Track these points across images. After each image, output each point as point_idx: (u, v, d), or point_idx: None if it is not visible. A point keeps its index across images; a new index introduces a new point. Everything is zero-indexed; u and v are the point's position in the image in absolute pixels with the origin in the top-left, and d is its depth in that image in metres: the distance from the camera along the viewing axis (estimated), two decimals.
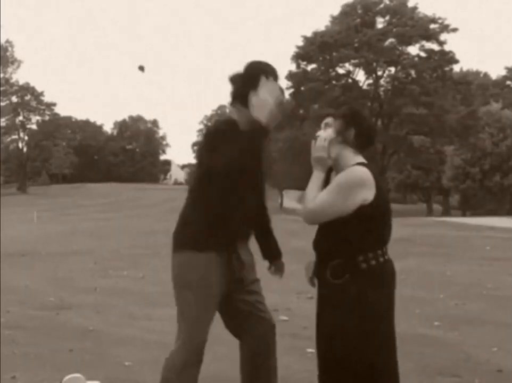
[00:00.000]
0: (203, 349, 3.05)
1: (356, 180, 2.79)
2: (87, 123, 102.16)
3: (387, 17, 48.49)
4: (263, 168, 3.19)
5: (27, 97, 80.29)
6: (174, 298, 3.10)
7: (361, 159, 2.92)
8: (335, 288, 2.82)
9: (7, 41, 76.22)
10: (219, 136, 2.97)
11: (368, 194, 2.78)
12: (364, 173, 2.82)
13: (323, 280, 2.89)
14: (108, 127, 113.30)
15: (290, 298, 7.97)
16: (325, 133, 2.97)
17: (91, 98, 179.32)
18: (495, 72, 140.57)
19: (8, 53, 75.92)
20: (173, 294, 3.11)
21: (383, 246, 2.88)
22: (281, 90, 3.06)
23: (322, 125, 3.03)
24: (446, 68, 47.53)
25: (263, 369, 3.20)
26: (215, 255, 3.02)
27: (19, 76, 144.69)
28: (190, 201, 3.12)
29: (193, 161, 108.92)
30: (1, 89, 74.10)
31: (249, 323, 3.16)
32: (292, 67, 49.26)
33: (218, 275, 3.03)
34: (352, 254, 2.80)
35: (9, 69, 77.65)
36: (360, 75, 50.98)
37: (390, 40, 47.60)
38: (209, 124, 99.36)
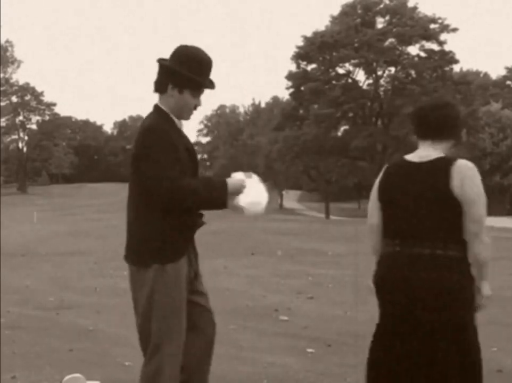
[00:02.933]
0: (180, 356, 3.05)
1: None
2: (86, 123, 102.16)
3: (387, 17, 48.50)
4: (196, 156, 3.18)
5: (27, 97, 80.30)
6: (142, 311, 3.03)
7: None
8: None
9: (7, 41, 76.26)
10: (157, 153, 2.91)
11: None
12: None
13: None
14: (108, 127, 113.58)
15: (290, 298, 7.97)
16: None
17: (91, 98, 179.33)
18: (495, 72, 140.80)
19: (8, 54, 75.91)
20: (139, 307, 3.05)
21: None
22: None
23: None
24: (446, 68, 47.54)
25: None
26: (183, 259, 3.00)
27: (19, 76, 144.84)
28: (141, 209, 3.01)
29: None
30: (1, 89, 74.10)
31: (198, 325, 3.14)
32: (293, 67, 49.33)
33: (185, 277, 3.03)
34: None
35: (9, 69, 77.69)
36: (360, 75, 51.08)
37: (390, 40, 47.60)
38: (209, 124, 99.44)
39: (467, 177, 2.88)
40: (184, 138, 3.10)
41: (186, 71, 2.97)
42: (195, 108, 3.08)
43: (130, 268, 3.08)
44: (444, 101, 3.14)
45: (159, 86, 3.06)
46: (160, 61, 3.06)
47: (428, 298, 2.84)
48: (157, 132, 2.96)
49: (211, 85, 3.08)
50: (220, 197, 2.95)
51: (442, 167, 2.92)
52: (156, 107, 3.08)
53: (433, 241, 2.89)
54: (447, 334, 2.84)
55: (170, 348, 3.00)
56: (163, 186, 2.86)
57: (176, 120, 3.07)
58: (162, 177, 2.86)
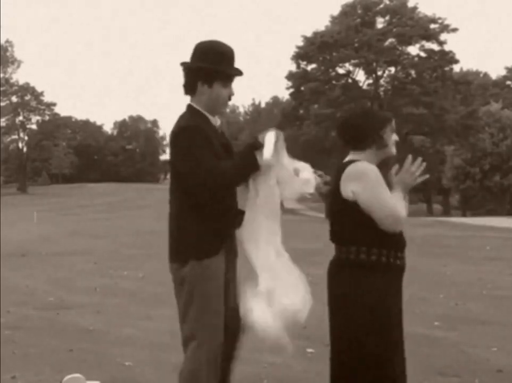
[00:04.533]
0: (219, 351, 3.06)
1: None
2: (86, 123, 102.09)
3: (387, 17, 48.47)
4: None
5: (27, 97, 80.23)
6: (183, 307, 3.05)
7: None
8: None
9: (7, 41, 76.19)
10: (193, 146, 2.95)
11: None
12: None
13: None
14: (108, 127, 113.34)
15: None
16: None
17: (91, 98, 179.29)
18: (495, 72, 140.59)
19: (8, 53, 75.87)
20: (181, 302, 3.07)
21: None
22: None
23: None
24: (446, 68, 47.51)
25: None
26: (220, 255, 3.03)
27: (19, 76, 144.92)
28: (178, 210, 3.07)
29: None
30: (1, 89, 74.06)
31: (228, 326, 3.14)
32: (293, 67, 49.29)
33: (222, 274, 3.06)
34: None
35: (9, 69, 77.63)
36: (360, 75, 50.94)
37: (390, 40, 47.57)
38: None
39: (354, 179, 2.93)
40: (219, 134, 3.13)
41: (209, 64, 3.00)
42: (229, 98, 3.10)
43: (171, 267, 3.12)
44: (348, 115, 3.16)
45: (189, 87, 3.08)
46: (183, 64, 3.09)
47: None
48: (191, 130, 2.97)
49: (238, 72, 3.10)
50: (250, 159, 2.95)
51: (340, 170, 2.98)
52: (189, 107, 3.09)
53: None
54: None
55: (208, 346, 3.00)
56: (201, 177, 2.89)
57: (210, 117, 3.09)
58: (200, 170, 2.89)
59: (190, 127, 2.98)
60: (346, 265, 2.94)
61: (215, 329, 3.03)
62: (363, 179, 2.89)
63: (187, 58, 3.11)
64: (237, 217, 3.10)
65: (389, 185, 2.98)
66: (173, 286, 3.13)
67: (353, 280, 2.91)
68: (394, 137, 3.08)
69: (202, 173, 2.89)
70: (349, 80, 49.94)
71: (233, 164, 2.98)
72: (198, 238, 3.00)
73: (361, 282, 2.88)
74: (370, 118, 3.03)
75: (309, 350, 5.20)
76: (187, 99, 3.13)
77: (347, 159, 3.04)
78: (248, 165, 2.97)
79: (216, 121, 3.14)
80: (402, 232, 3.03)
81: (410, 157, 3.00)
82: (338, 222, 3.02)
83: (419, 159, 3.00)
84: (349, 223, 2.94)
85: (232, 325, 3.15)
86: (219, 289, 3.03)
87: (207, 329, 3.01)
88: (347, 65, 49.10)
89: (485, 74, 71.50)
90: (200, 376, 3.00)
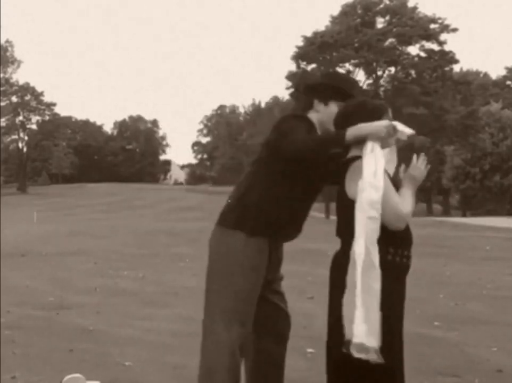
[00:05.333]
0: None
1: None
2: (86, 123, 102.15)
3: (387, 17, 48.49)
4: (325, 179, 3.17)
5: (27, 97, 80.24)
6: (213, 276, 3.06)
7: None
8: None
9: (7, 41, 76.22)
10: (297, 123, 2.97)
11: None
12: None
13: None
14: (108, 127, 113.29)
15: (290, 298, 7.96)
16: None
17: (91, 98, 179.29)
18: (495, 72, 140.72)
19: (8, 53, 75.88)
20: (209, 269, 3.09)
21: None
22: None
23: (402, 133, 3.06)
24: (446, 68, 47.52)
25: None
26: (267, 243, 3.03)
27: (19, 76, 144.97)
28: (250, 182, 3.06)
29: (193, 161, 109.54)
30: (1, 89, 74.06)
31: (269, 322, 3.17)
32: (293, 67, 49.29)
33: (265, 264, 3.05)
34: None
35: (9, 69, 77.66)
36: (360, 75, 50.93)
37: (390, 40, 47.59)
38: (209, 124, 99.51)
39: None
40: None
41: (328, 82, 3.08)
42: None
43: (215, 230, 3.09)
44: (342, 112, 3.03)
45: (306, 106, 3.11)
46: (301, 86, 3.18)
47: None
48: (299, 119, 3.02)
49: (355, 94, 3.10)
50: (339, 135, 2.88)
51: (344, 167, 2.94)
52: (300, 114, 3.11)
53: None
54: None
55: (232, 333, 2.99)
56: (296, 145, 2.88)
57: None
58: (295, 137, 2.89)
59: (299, 117, 3.03)
60: (350, 258, 2.89)
61: (247, 311, 3.00)
62: None
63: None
64: (294, 232, 3.14)
65: (397, 184, 2.95)
66: (213, 251, 3.10)
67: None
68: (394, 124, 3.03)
69: (297, 139, 2.89)
70: None
71: (323, 134, 3.02)
72: (253, 212, 2.99)
73: None
74: (365, 113, 2.94)
75: (309, 350, 5.20)
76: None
77: (350, 155, 2.97)
78: (333, 138, 2.92)
79: None
80: (409, 229, 2.96)
81: (415, 156, 2.98)
82: (344, 217, 2.97)
83: (422, 155, 2.99)
84: (354, 219, 2.90)
85: (282, 330, 3.21)
86: (256, 270, 3.00)
87: (238, 315, 2.98)
88: (347, 65, 49.12)
89: (485, 74, 71.51)
90: (216, 373, 2.98)
